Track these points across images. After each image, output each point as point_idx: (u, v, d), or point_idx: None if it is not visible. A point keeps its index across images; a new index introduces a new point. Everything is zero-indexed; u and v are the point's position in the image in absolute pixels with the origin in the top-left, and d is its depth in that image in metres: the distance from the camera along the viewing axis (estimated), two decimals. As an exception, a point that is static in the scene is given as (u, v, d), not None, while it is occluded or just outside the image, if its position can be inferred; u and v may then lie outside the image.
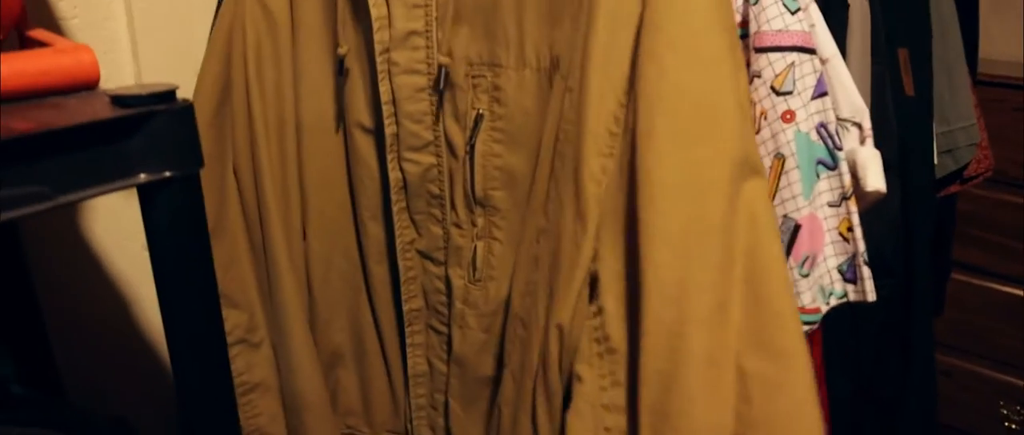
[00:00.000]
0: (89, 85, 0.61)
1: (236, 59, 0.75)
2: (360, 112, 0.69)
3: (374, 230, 0.71)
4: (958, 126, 1.07)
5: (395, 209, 0.67)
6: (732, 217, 0.47)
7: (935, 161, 1.03)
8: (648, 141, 0.47)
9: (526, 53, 0.58)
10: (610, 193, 0.51)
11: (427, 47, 0.61)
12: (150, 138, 0.53)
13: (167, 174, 0.54)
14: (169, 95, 0.54)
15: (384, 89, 0.63)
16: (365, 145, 0.69)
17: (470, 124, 0.62)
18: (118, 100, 0.53)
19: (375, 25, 0.61)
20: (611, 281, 0.52)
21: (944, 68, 1.02)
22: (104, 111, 0.52)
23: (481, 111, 0.61)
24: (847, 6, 0.77)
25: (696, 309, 0.47)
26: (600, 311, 0.52)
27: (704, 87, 0.48)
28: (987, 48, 1.36)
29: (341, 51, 0.65)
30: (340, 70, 0.68)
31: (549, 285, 0.54)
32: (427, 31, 0.61)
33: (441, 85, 0.60)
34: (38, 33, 0.64)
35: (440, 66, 0.59)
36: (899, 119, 0.86)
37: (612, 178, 0.50)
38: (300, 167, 0.75)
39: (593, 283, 0.53)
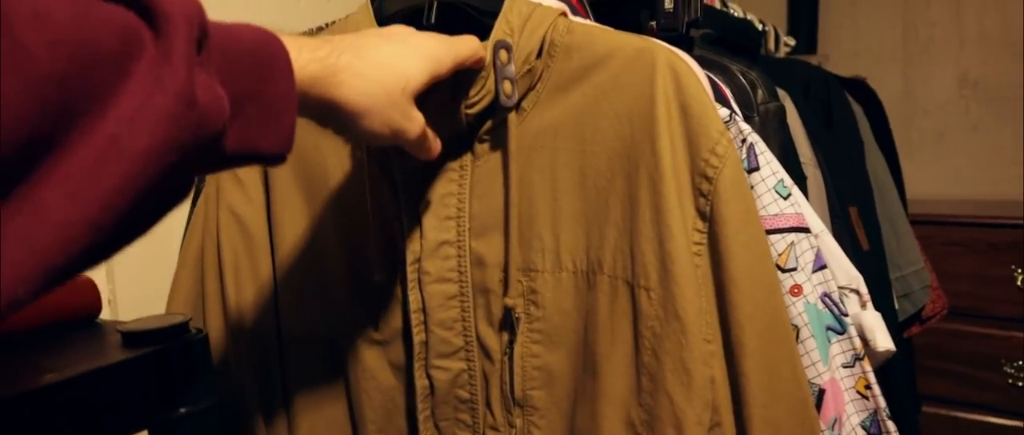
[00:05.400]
0: (92, 315, 0.60)
1: (210, 275, 0.74)
2: (366, 325, 0.68)
3: None
4: (910, 271, 1.14)
5: (420, 418, 0.65)
6: (806, 392, 0.58)
7: (895, 306, 1.09)
8: (741, 350, 0.55)
9: (562, 258, 0.61)
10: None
11: (459, 256, 0.63)
12: (163, 376, 0.51)
13: (182, 411, 0.51)
14: (182, 328, 0.53)
15: (414, 298, 0.64)
16: (372, 357, 0.68)
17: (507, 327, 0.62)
18: (129, 338, 0.52)
19: (407, 236, 0.63)
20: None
21: (887, 218, 1.11)
22: (115, 353, 0.50)
23: (517, 313, 0.62)
24: (805, 178, 0.83)
25: None
26: None
27: (771, 302, 0.56)
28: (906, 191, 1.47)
29: (377, 280, 0.66)
30: (360, 300, 0.68)
31: None
32: (459, 241, 0.62)
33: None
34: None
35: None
36: (863, 274, 0.91)
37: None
38: (285, 387, 0.73)
39: None
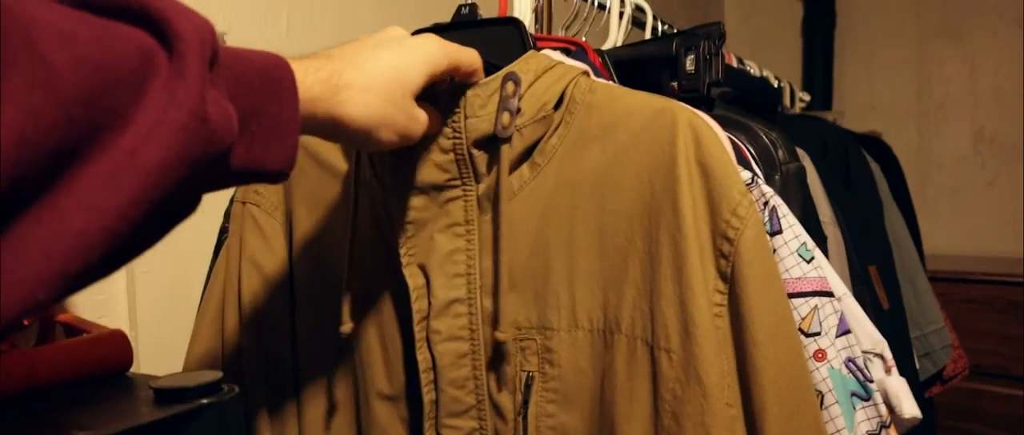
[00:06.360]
0: (123, 368, 0.61)
1: (230, 326, 0.74)
2: (379, 380, 0.68)
3: None
4: (930, 330, 1.13)
5: None
6: None
7: (916, 366, 1.08)
8: (763, 415, 0.55)
9: (578, 316, 0.60)
10: None
11: (470, 314, 0.62)
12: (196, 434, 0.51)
13: (213, 469, 0.52)
14: (215, 386, 0.53)
15: (423, 357, 0.63)
16: (384, 413, 0.67)
17: (520, 386, 0.62)
18: (161, 395, 0.52)
19: (413, 295, 0.62)
20: None
21: (906, 278, 1.10)
22: (148, 412, 0.50)
23: (531, 373, 0.61)
24: (826, 238, 0.83)
25: None
26: None
27: (794, 366, 0.56)
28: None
29: (344, 330, 0.65)
30: (342, 346, 0.68)
31: None
32: (470, 298, 0.62)
33: (501, 359, 0.62)
34: (68, 317, 0.63)
35: (496, 341, 0.60)
36: (884, 334, 0.90)
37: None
38: None
39: None
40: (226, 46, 0.37)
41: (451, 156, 0.59)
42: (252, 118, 0.38)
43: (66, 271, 0.28)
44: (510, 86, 0.58)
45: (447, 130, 0.59)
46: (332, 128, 0.47)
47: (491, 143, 0.59)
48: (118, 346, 0.59)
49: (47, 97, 0.27)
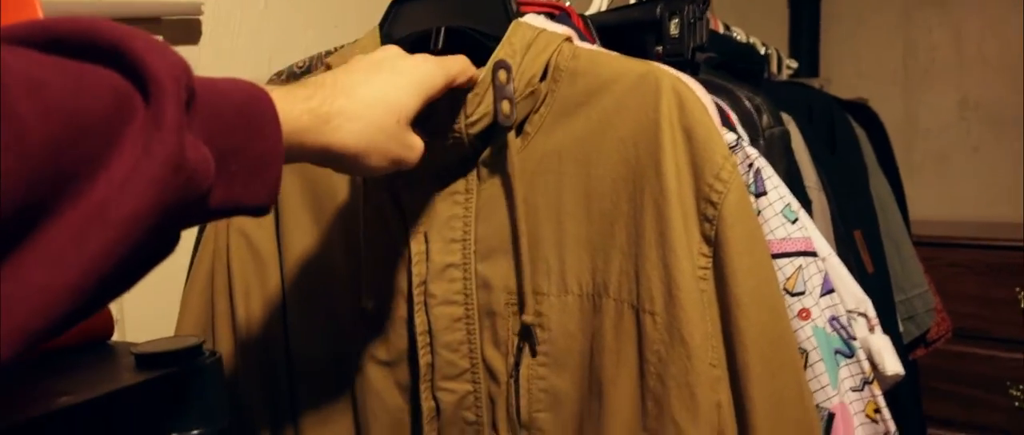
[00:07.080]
0: (104, 337, 0.60)
1: (219, 296, 0.74)
2: (375, 346, 0.68)
3: None
4: (914, 293, 1.14)
5: None
6: (813, 417, 0.58)
7: (900, 329, 1.09)
8: (746, 375, 0.55)
9: (567, 281, 0.61)
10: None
11: (464, 279, 0.63)
12: (177, 399, 0.51)
13: (195, 433, 0.52)
14: (196, 350, 0.53)
15: (420, 320, 0.64)
16: (379, 378, 0.68)
17: (512, 350, 0.62)
18: (142, 361, 0.52)
19: (414, 259, 0.63)
20: None
21: (891, 242, 1.11)
22: (129, 376, 0.50)
23: (537, 334, 0.62)
24: (810, 202, 0.84)
25: None
26: None
27: (777, 326, 0.57)
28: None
29: (368, 307, 0.66)
30: (367, 322, 0.68)
31: None
32: (465, 263, 0.63)
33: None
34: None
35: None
36: (868, 296, 0.91)
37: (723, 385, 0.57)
38: (293, 406, 0.73)
39: None
40: (202, 79, 0.35)
41: (454, 152, 0.60)
42: (231, 158, 0.36)
43: (28, 330, 0.26)
44: (502, 74, 0.58)
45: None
46: (322, 156, 0.46)
47: (490, 128, 0.60)
48: (99, 315, 0.59)
49: (13, 154, 0.25)
